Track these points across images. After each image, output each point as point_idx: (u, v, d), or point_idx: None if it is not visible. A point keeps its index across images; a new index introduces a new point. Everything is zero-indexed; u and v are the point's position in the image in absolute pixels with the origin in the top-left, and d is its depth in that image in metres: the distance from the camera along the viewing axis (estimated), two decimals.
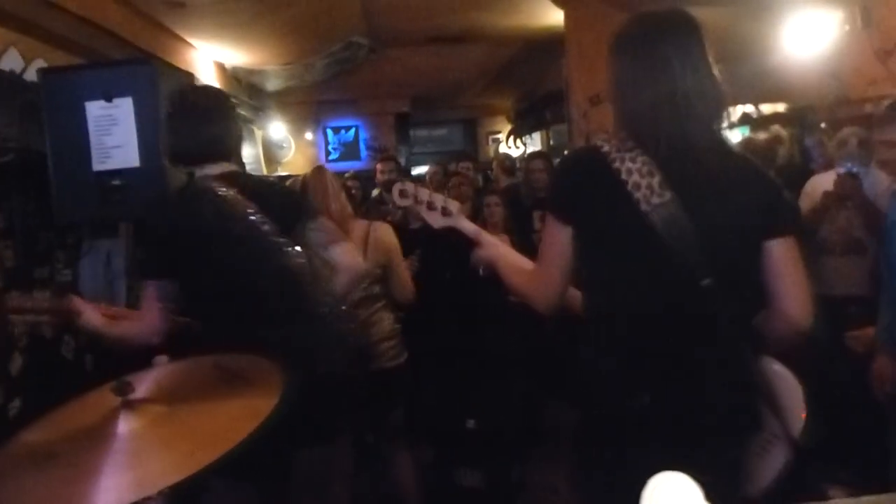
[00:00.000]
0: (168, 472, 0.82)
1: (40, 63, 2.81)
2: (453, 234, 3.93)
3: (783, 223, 1.40)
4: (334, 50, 5.76)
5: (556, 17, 5.59)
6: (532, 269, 1.62)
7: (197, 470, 0.80)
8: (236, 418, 0.91)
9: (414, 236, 3.98)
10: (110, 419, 0.92)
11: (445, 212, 1.82)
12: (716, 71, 1.40)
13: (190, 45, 5.02)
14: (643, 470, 0.92)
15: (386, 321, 2.83)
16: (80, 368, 2.88)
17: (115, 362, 1.53)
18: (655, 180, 1.34)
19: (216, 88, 2.31)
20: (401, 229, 4.10)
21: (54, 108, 2.55)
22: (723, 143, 1.44)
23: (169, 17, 4.35)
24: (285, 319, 1.90)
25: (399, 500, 2.89)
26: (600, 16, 5.18)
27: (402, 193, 1.87)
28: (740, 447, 1.43)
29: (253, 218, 1.87)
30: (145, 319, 1.95)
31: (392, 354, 2.79)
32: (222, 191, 1.90)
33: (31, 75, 2.77)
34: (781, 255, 1.39)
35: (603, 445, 1.45)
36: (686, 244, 1.33)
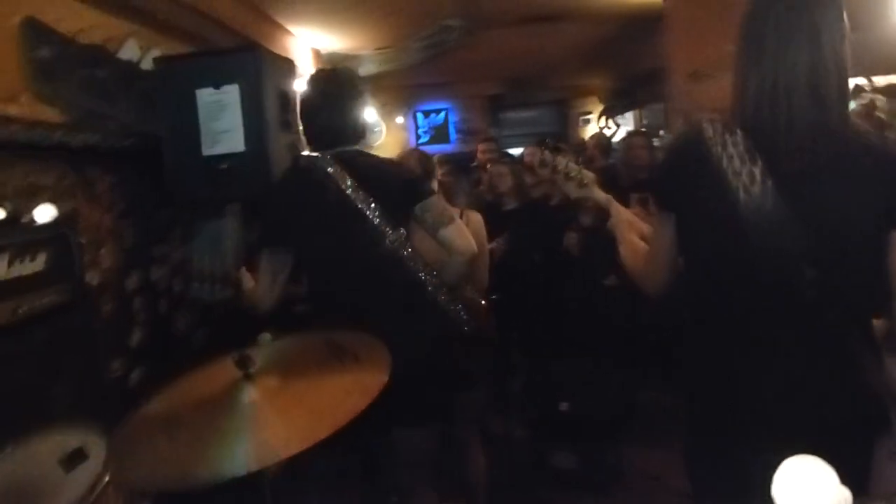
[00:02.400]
0: (289, 441, 0.86)
1: (155, 52, 2.95)
2: (546, 217, 3.90)
3: None
4: (429, 33, 5.78)
5: None
6: (645, 251, 1.59)
7: (315, 441, 0.83)
8: (348, 393, 0.94)
9: (505, 217, 3.97)
10: (232, 390, 0.97)
11: (581, 182, 1.90)
12: (845, 46, 1.30)
13: (289, 32, 5.16)
14: (754, 461, 0.89)
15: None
16: (191, 343, 3.06)
17: (223, 337, 1.62)
18: (757, 168, 1.27)
19: (350, 72, 2.36)
20: (493, 210, 4.11)
21: (167, 95, 2.69)
22: (840, 128, 1.32)
23: (271, 5, 4.49)
24: (380, 303, 1.94)
25: (468, 489, 2.88)
26: None
27: (542, 163, 1.95)
28: (862, 449, 1.34)
29: (353, 197, 1.91)
30: (262, 285, 2.10)
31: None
32: (330, 169, 1.95)
33: (146, 64, 2.93)
34: None
35: (713, 434, 1.41)
36: (786, 235, 1.25)
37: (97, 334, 2.44)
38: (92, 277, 2.47)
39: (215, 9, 3.67)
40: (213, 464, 0.84)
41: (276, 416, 0.93)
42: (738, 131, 1.32)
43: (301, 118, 2.20)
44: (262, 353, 1.02)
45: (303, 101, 2.17)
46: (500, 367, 3.37)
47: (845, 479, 0.84)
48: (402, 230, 1.97)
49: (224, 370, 1.01)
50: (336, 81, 2.18)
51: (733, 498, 1.02)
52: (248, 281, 2.16)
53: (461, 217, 2.81)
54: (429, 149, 9.33)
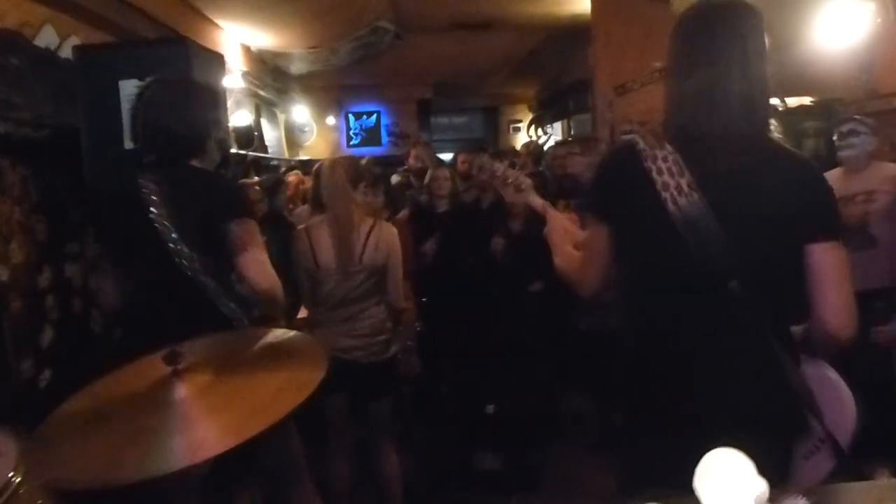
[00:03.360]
0: (219, 438, 0.84)
1: (74, 40, 2.83)
2: (477, 219, 3.94)
3: (824, 227, 1.34)
4: (360, 35, 5.76)
5: (582, 5, 5.55)
6: (578, 258, 1.64)
7: (245, 438, 0.82)
8: (281, 390, 0.93)
9: (438, 220, 4.00)
10: (161, 386, 0.95)
11: (518, 187, 1.97)
12: (767, 64, 1.37)
13: (218, 26, 5.04)
14: (681, 462, 0.94)
15: (376, 318, 2.79)
16: (108, 342, 2.93)
17: (143, 337, 1.56)
18: (685, 180, 1.33)
19: (188, 82, 2.30)
20: (426, 212, 4.13)
21: (88, 86, 2.58)
22: (766, 141, 1.39)
23: None
24: (176, 326, 1.92)
25: (383, 491, 2.91)
26: (629, 4, 5.13)
27: (481, 167, 2.01)
28: (782, 447, 1.39)
29: (156, 217, 1.91)
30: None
31: (376, 350, 2.76)
32: (145, 188, 1.94)
33: (65, 52, 2.80)
34: (820, 260, 1.33)
35: (643, 433, 1.46)
36: (711, 246, 1.31)
37: (3, 332, 2.31)
38: (0, 272, 2.34)
39: (141, 0, 3.55)
40: (138, 462, 0.82)
41: (206, 413, 0.91)
42: (668, 145, 1.37)
43: (133, 121, 2.14)
44: (193, 350, 0.99)
45: (136, 104, 2.11)
46: (427, 368, 3.38)
47: (765, 473, 0.90)
48: (194, 255, 1.93)
49: (153, 367, 0.98)
50: (177, 89, 2.14)
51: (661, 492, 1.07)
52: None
53: (374, 226, 2.78)
54: (359, 151, 9.34)
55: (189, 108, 2.07)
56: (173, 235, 1.91)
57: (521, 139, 10.70)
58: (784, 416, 1.38)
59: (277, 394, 0.91)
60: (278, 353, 1.09)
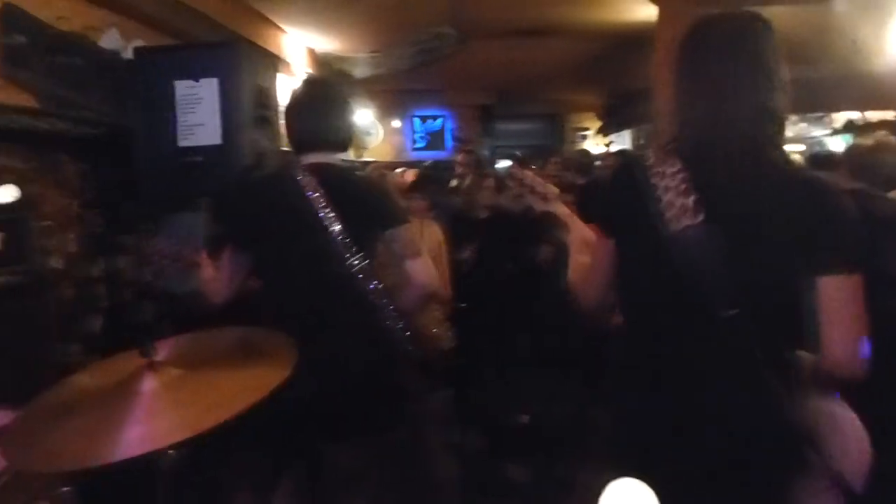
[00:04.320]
0: (176, 430, 0.88)
1: (138, 43, 2.98)
2: (518, 228, 3.91)
3: (836, 258, 1.26)
4: (422, 39, 5.82)
5: (646, 13, 5.43)
6: (586, 269, 1.62)
7: (199, 431, 0.85)
8: (246, 388, 0.96)
9: (477, 225, 4.00)
10: (134, 378, 0.99)
11: (545, 197, 1.97)
12: (782, 82, 1.31)
13: (281, 29, 5.19)
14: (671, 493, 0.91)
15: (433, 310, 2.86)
16: (156, 333, 3.06)
17: (187, 329, 1.61)
18: (690, 200, 1.28)
19: (338, 80, 2.37)
20: (466, 217, 4.13)
21: (145, 86, 2.70)
22: (779, 163, 1.32)
23: (263, 3, 4.52)
24: (325, 318, 1.93)
25: (434, 490, 2.90)
26: (695, 11, 4.98)
27: (512, 176, 2.08)
28: (771, 486, 1.32)
29: (317, 210, 1.89)
30: (219, 277, 2.07)
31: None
32: (299, 177, 1.94)
33: (128, 54, 2.94)
34: (828, 294, 1.25)
35: (632, 457, 1.42)
36: (710, 271, 1.26)
37: (52, 318, 2.45)
38: (55, 261, 2.48)
39: (204, 4, 3.70)
40: (101, 450, 0.86)
41: (170, 404, 0.95)
42: (678, 162, 1.33)
43: (286, 120, 2.15)
44: (170, 344, 1.04)
45: (289, 103, 2.15)
46: (463, 375, 3.38)
47: None
48: (363, 253, 1.93)
49: (134, 359, 1.03)
50: (322, 87, 2.18)
51: None
52: (207, 271, 2.14)
53: (421, 225, 2.85)
54: (424, 155, 9.42)
55: (332, 104, 2.09)
56: (338, 231, 1.89)
57: (588, 147, 10.56)
58: (775, 451, 1.30)
59: (238, 391, 0.94)
60: (250, 351, 1.12)
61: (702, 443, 1.31)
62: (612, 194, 1.50)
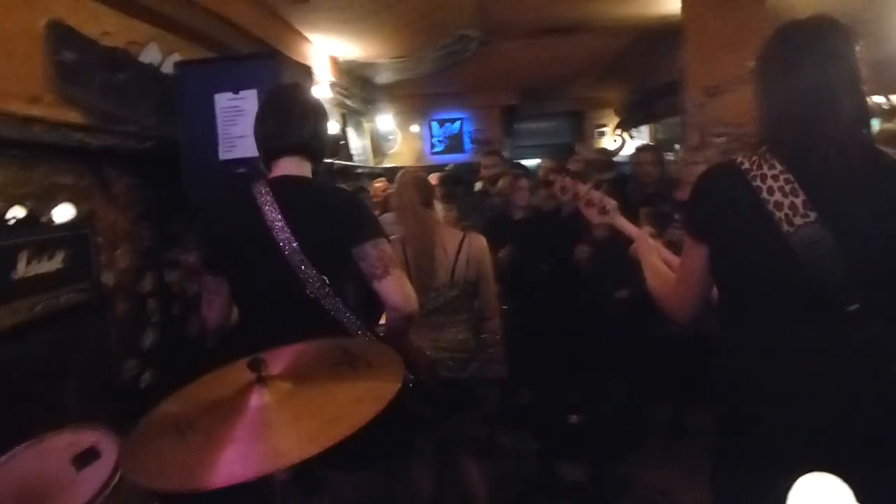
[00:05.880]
0: (296, 447, 0.86)
1: (176, 57, 2.99)
2: (555, 228, 3.88)
3: None
4: (446, 43, 5.82)
5: (671, 6, 5.39)
6: (673, 280, 1.60)
7: (324, 447, 0.84)
8: (360, 400, 0.94)
9: (515, 227, 3.98)
10: (244, 393, 0.98)
11: (603, 210, 1.91)
12: (864, 80, 1.34)
13: (307, 39, 5.21)
14: (783, 484, 0.89)
15: (459, 333, 2.77)
16: (203, 347, 3.07)
17: (234, 345, 1.57)
18: (799, 199, 1.29)
19: (302, 88, 2.25)
20: (503, 220, 4.12)
21: (186, 99, 2.71)
22: (876, 156, 1.34)
23: (291, 12, 4.54)
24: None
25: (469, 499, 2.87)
26: (721, 4, 4.94)
27: (563, 190, 1.98)
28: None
29: (278, 234, 1.79)
30: (210, 302, 2.00)
31: (453, 367, 2.72)
32: (258, 195, 1.84)
33: (167, 68, 2.96)
34: None
35: (743, 456, 1.41)
36: (832, 267, 1.26)
37: (112, 334, 2.46)
38: (108, 278, 2.49)
39: (235, 15, 3.71)
40: (222, 467, 0.85)
41: (287, 420, 0.93)
42: (777, 164, 1.33)
43: (255, 127, 2.04)
44: (276, 357, 1.02)
45: (258, 113, 2.04)
46: (509, 377, 3.36)
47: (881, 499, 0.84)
48: (328, 274, 1.82)
49: (239, 374, 1.02)
50: (284, 93, 2.08)
51: None
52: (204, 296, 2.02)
53: (464, 240, 2.77)
54: (443, 158, 9.41)
55: (295, 111, 1.99)
56: (299, 257, 1.78)
57: (605, 144, 10.52)
58: None
59: (356, 403, 0.93)
60: (358, 362, 1.10)
61: (826, 437, 1.30)
62: (709, 200, 1.48)
